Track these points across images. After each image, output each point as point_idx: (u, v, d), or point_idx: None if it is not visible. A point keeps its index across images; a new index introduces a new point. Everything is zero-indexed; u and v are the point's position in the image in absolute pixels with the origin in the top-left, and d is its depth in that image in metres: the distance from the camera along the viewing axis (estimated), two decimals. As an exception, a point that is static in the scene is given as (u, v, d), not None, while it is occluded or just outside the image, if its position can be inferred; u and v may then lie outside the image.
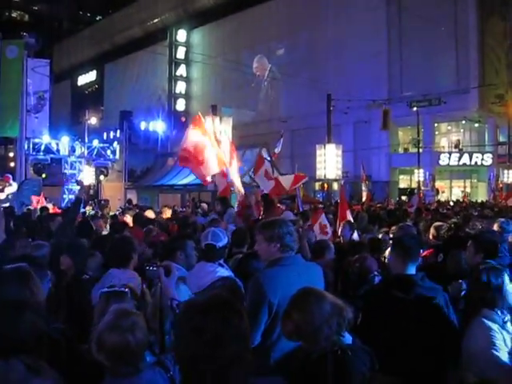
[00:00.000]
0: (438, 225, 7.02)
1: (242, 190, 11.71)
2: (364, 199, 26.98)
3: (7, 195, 19.25)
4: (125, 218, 10.93)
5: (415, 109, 34.60)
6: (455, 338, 3.97)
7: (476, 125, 40.46)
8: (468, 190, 41.81)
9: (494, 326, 3.86)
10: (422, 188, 35.98)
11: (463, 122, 40.61)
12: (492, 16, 39.56)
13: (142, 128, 32.72)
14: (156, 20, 61.04)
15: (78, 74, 73.86)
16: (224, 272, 5.05)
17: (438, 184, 39.56)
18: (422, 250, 6.90)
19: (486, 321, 3.88)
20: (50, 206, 18.29)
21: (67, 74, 73.75)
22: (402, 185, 43.82)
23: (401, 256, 4.23)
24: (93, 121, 29.45)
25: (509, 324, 3.98)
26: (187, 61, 58.54)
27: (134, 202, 24.67)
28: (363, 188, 38.61)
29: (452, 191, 42.72)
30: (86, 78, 73.80)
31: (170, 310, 3.51)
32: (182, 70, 58.51)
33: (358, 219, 10.51)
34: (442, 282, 5.11)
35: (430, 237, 6.79)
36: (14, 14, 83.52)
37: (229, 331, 2.06)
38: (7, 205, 17.21)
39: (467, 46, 37.73)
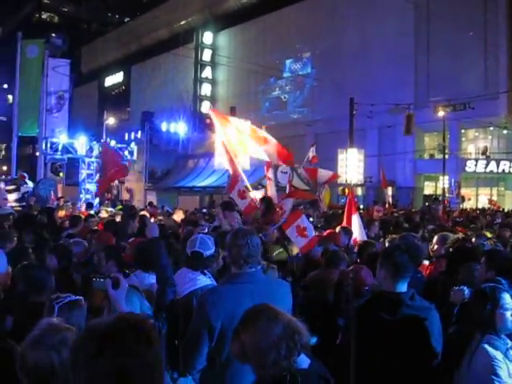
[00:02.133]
0: (444, 235, 6.55)
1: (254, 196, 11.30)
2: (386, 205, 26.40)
3: (23, 194, 19.19)
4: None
5: (441, 114, 33.87)
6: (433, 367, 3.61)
7: (504, 131, 39.48)
8: (495, 198, 40.81)
9: (499, 355, 3.44)
10: (447, 195, 35.25)
11: (491, 128, 39.73)
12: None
13: (164, 129, 32.56)
14: (183, 22, 61.14)
15: (106, 75, 74.38)
16: (205, 281, 4.73)
17: (463, 191, 38.69)
18: (428, 262, 6.50)
19: (489, 348, 3.47)
20: (68, 205, 18.17)
21: (95, 75, 74.53)
22: (427, 191, 43.01)
23: (390, 272, 3.82)
24: (111, 121, 29.44)
25: (511, 351, 3.56)
26: (213, 63, 58.64)
27: (154, 203, 24.43)
28: (389, 193, 38.07)
29: (478, 199, 41.77)
30: (113, 79, 74.30)
31: None
32: (207, 72, 58.60)
33: (370, 227, 10.09)
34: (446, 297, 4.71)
35: (435, 247, 6.32)
36: (43, 16, 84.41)
37: (130, 362, 1.70)
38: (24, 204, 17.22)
39: (496, 51, 36.86)
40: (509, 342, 3.54)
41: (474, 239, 7.73)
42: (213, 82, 58.86)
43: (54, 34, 27.80)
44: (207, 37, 58.51)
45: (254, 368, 2.59)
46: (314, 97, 47.51)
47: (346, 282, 5.13)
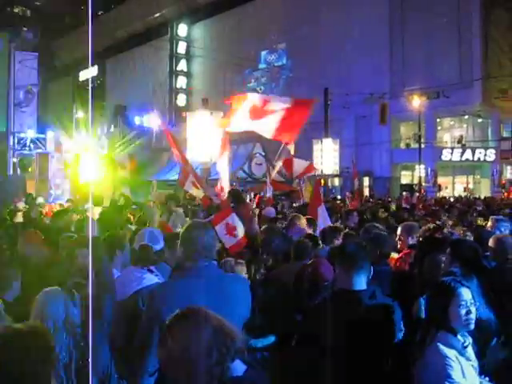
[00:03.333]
0: (408, 225, 6.24)
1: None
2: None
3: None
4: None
5: (417, 103, 33.88)
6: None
7: (479, 120, 39.64)
8: (471, 185, 41.05)
9: (451, 353, 3.19)
10: (424, 184, 35.34)
11: (466, 116, 39.88)
12: (496, 7, 38.66)
13: (137, 123, 32.19)
14: (157, 15, 60.56)
15: (80, 70, 73.44)
16: (152, 279, 4.44)
17: (440, 180, 38.87)
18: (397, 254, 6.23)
19: (441, 347, 3.22)
20: (40, 200, 17.85)
21: (69, 70, 73.50)
22: (404, 181, 43.05)
23: (345, 267, 3.56)
24: (81, 115, 29.12)
25: (469, 348, 3.31)
26: (188, 55, 58.27)
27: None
28: (365, 184, 38.04)
29: (455, 187, 41.94)
30: (88, 73, 73.35)
31: None
32: (182, 65, 58.31)
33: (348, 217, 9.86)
34: (416, 291, 4.48)
35: (401, 238, 6.00)
36: (16, 10, 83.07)
37: (15, 370, 1.66)
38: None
39: (470, 39, 36.94)
40: (466, 339, 3.29)
41: (446, 229, 7.54)
42: (188, 74, 58.52)
43: (25, 28, 27.26)
44: (182, 29, 58.20)
45: (184, 378, 2.33)
46: (289, 88, 47.23)
47: (303, 277, 4.88)
